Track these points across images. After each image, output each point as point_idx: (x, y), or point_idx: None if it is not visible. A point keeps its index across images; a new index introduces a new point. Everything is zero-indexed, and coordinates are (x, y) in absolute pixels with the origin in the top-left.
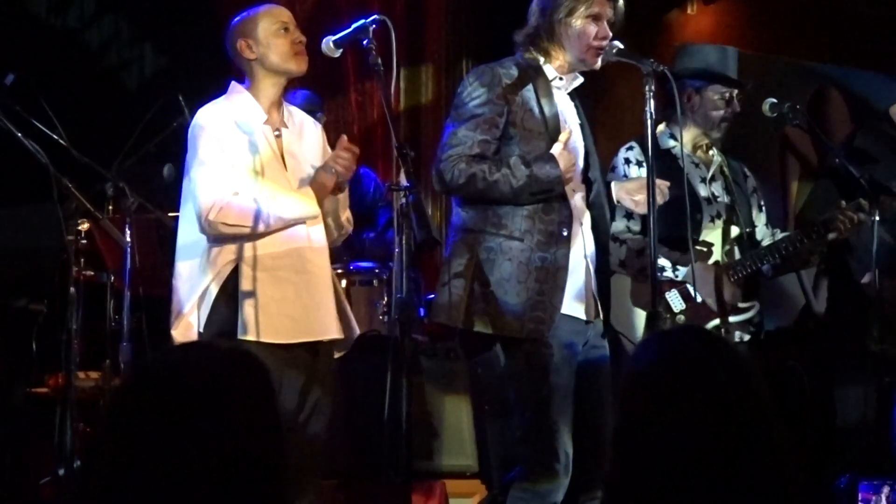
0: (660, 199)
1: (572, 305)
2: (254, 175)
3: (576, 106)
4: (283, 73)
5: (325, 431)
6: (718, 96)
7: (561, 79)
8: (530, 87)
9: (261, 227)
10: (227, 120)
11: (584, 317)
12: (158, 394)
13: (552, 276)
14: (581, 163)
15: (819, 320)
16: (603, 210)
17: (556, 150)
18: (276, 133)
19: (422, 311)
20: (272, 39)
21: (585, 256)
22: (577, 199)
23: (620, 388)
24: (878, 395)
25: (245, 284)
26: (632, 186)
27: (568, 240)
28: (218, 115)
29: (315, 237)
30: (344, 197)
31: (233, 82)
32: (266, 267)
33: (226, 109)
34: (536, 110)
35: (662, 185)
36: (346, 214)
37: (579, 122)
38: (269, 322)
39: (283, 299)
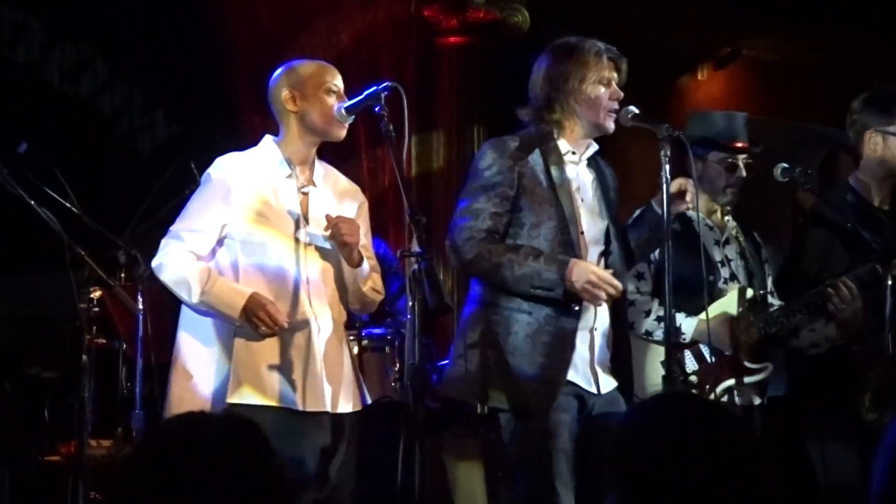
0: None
1: (572, 373)
2: (257, 232)
3: (597, 175)
4: (319, 135)
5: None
6: (719, 163)
7: (574, 153)
8: (539, 157)
9: (186, 301)
10: (243, 171)
11: (585, 386)
12: (158, 467)
13: (559, 350)
14: (598, 231)
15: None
16: (622, 280)
17: (582, 264)
18: (303, 190)
19: (434, 378)
20: (319, 97)
21: (593, 329)
22: None
23: (610, 453)
24: (862, 464)
25: (241, 348)
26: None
27: (578, 313)
28: (233, 167)
29: (318, 307)
30: (362, 269)
31: (267, 136)
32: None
33: (246, 160)
34: (545, 181)
35: None
36: (368, 285)
37: (598, 192)
38: (262, 386)
39: (278, 365)
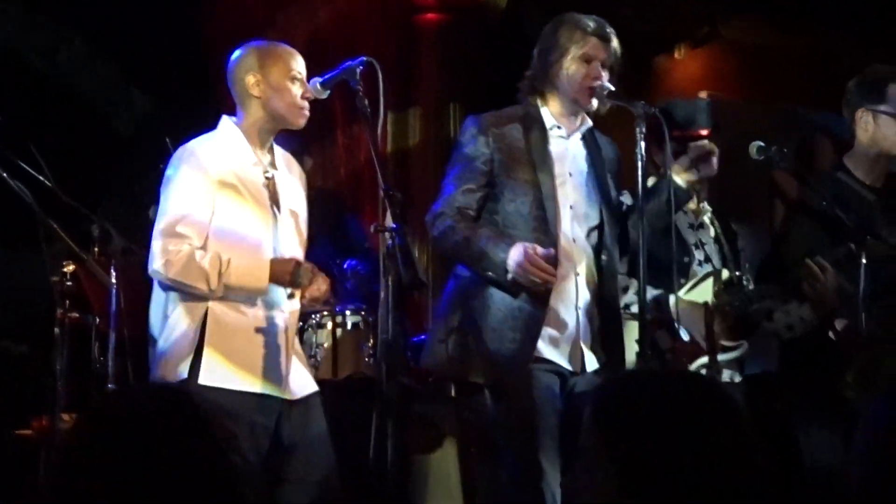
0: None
1: (552, 352)
2: (241, 219)
3: (591, 151)
4: (280, 122)
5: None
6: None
7: (559, 127)
8: (519, 132)
9: (201, 292)
10: (213, 156)
11: (566, 365)
12: (94, 443)
13: (527, 326)
14: (590, 207)
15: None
16: (612, 256)
17: (539, 249)
18: (267, 175)
19: (410, 354)
20: (284, 85)
21: (577, 307)
22: (574, 248)
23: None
24: (847, 446)
25: (214, 330)
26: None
27: (549, 290)
28: (202, 152)
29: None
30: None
31: (224, 118)
32: (234, 316)
33: (212, 146)
34: (523, 156)
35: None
36: None
37: (592, 168)
38: (234, 370)
39: (252, 349)
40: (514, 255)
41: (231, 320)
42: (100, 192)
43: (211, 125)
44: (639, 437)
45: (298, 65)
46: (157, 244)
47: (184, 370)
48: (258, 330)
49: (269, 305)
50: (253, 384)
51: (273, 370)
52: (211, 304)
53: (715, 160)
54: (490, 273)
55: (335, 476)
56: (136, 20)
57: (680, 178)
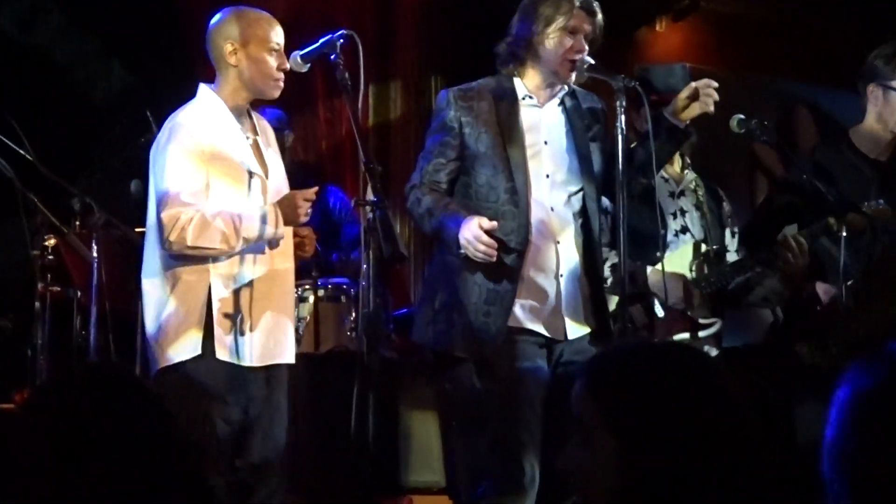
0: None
1: (533, 323)
2: (233, 185)
3: (570, 115)
4: (255, 93)
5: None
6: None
7: (531, 97)
8: (489, 104)
9: (225, 251)
10: (203, 130)
11: (548, 334)
12: (41, 425)
13: (500, 298)
14: (569, 173)
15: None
16: (595, 223)
17: (484, 223)
18: (251, 141)
19: (391, 328)
20: (261, 56)
21: (559, 276)
22: (553, 216)
23: (578, 408)
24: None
25: (220, 304)
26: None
27: (520, 260)
28: (193, 125)
29: (281, 261)
30: None
31: (203, 86)
32: (233, 289)
33: (199, 117)
34: (493, 128)
35: None
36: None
37: (570, 133)
38: (231, 343)
39: (247, 322)
40: (463, 229)
41: (230, 292)
42: (80, 165)
43: (191, 98)
44: (638, 410)
45: (277, 36)
46: (166, 215)
47: (194, 346)
48: (253, 299)
49: (260, 270)
50: (239, 356)
51: (258, 339)
52: (212, 277)
53: (708, 95)
54: (445, 243)
55: (282, 459)
56: None
57: (675, 119)
